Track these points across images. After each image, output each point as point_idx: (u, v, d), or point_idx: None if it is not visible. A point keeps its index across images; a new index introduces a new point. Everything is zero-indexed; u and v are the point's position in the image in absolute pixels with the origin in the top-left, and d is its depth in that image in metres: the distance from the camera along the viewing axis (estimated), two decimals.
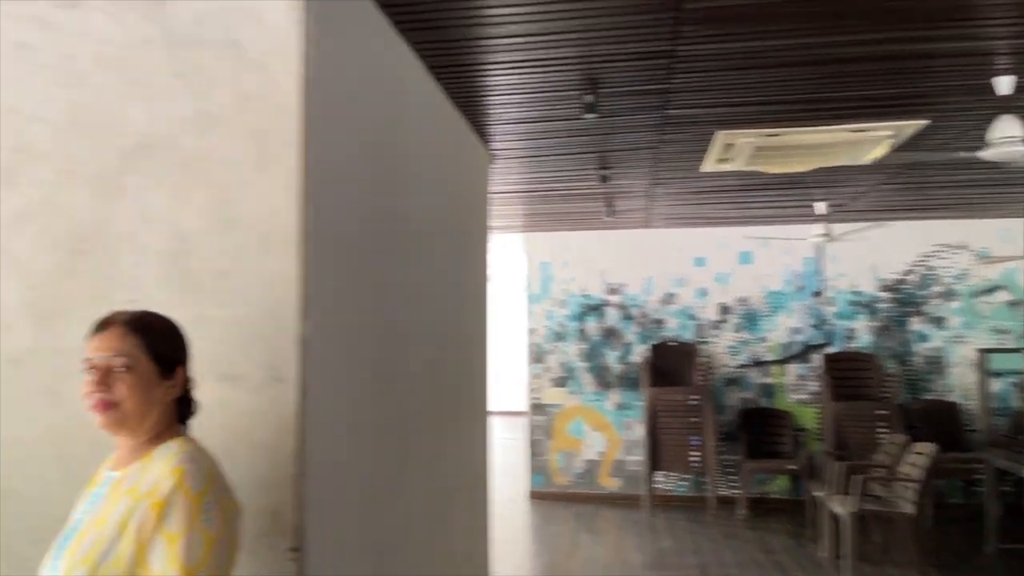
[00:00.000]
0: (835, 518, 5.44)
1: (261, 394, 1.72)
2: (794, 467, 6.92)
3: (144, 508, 1.32)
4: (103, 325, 1.46)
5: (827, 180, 5.20)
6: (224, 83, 1.79)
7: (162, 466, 1.38)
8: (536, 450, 7.76)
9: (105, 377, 1.40)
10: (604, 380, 7.71)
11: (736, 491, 7.18)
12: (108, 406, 1.39)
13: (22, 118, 1.85)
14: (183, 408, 1.54)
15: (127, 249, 1.80)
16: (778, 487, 7.32)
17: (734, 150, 4.34)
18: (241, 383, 1.73)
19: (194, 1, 1.81)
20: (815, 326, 7.39)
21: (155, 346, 1.45)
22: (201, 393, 1.75)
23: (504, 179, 5.14)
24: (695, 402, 7.05)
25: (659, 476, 7.39)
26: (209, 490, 1.37)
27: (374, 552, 2.24)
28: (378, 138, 2.36)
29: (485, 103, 3.46)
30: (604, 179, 4.94)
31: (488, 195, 4.41)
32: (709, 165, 4.67)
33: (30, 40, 1.85)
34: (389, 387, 2.45)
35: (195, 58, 1.80)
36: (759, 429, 7.27)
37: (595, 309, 7.78)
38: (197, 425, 1.73)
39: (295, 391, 1.72)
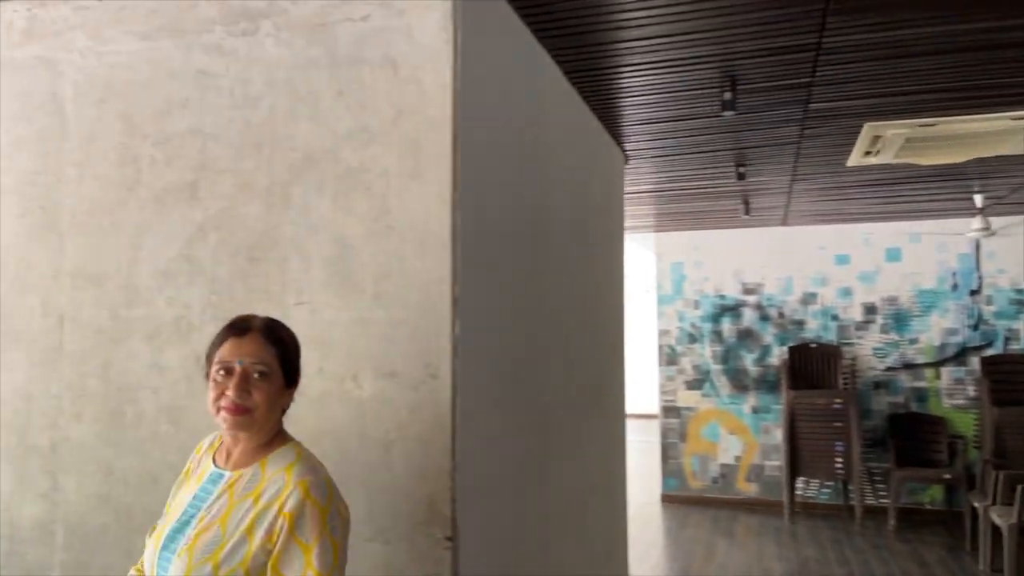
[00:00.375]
0: (995, 530, 5.07)
1: (418, 390, 1.82)
2: (949, 476, 6.47)
3: (272, 515, 1.39)
4: (242, 330, 1.48)
5: (984, 171, 4.85)
6: (381, 99, 1.90)
7: (283, 474, 1.44)
8: (669, 453, 7.65)
9: (244, 382, 1.44)
10: (741, 383, 7.50)
11: (884, 500, 6.79)
12: (243, 411, 1.43)
13: (204, 138, 2.04)
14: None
15: (295, 255, 1.95)
16: (931, 497, 6.86)
17: (882, 142, 4.13)
18: (400, 380, 1.84)
19: (353, 23, 1.93)
20: (972, 326, 6.88)
21: (287, 357, 1.51)
22: (363, 389, 1.87)
23: (637, 179, 5.11)
24: (839, 406, 6.73)
25: (800, 482, 7.11)
26: (331, 500, 1.43)
27: (520, 545, 2.31)
28: (521, 144, 2.43)
29: (620, 104, 3.46)
30: (741, 176, 4.82)
31: (623, 196, 4.41)
32: (855, 159, 4.47)
33: (210, 67, 2.04)
34: (532, 386, 2.52)
35: (355, 77, 1.93)
36: (910, 436, 6.85)
37: (730, 310, 7.58)
38: (361, 417, 1.86)
39: (448, 388, 1.81)
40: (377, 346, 1.87)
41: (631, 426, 4.61)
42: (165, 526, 1.52)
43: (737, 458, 7.45)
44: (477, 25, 2.00)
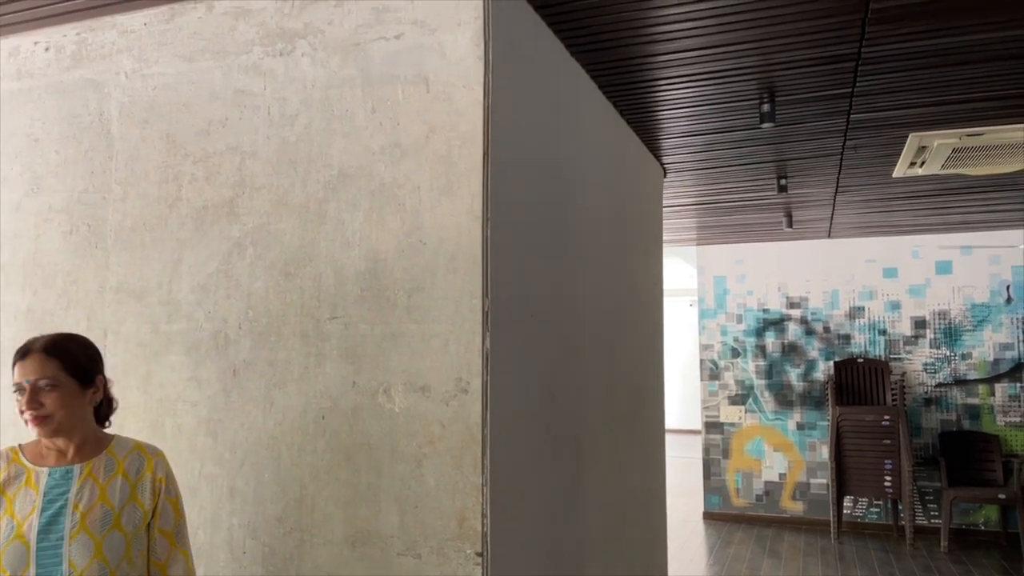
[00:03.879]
0: None
1: (449, 404, 1.83)
2: (1004, 496, 6.24)
3: (149, 481, 1.72)
4: (24, 353, 1.67)
5: None
6: (414, 116, 1.93)
7: (137, 452, 1.74)
8: (711, 470, 7.53)
9: (33, 397, 1.64)
10: (785, 398, 7.36)
11: (935, 520, 6.58)
12: (42, 420, 1.64)
13: (242, 156, 2.08)
14: (104, 409, 1.77)
15: (329, 270, 1.98)
16: (985, 517, 6.63)
17: (929, 152, 4.03)
18: (431, 394, 1.85)
19: (387, 42, 1.96)
20: None
21: (74, 364, 1.68)
22: (395, 402, 1.89)
23: (676, 192, 5.07)
24: (888, 423, 6.55)
25: (847, 501, 6.93)
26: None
27: (553, 561, 2.28)
28: (553, 158, 2.43)
29: (657, 118, 3.44)
30: (782, 189, 4.74)
31: (662, 209, 4.38)
32: (901, 170, 4.36)
33: (249, 87, 2.09)
34: (566, 400, 2.50)
35: (388, 94, 1.95)
36: (962, 454, 6.63)
37: (774, 324, 7.46)
38: (393, 431, 1.87)
39: (479, 402, 1.81)
40: (409, 360, 1.88)
41: (673, 442, 4.55)
42: (19, 533, 1.64)
43: (782, 475, 7.30)
44: (509, 42, 2.02)
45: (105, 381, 1.75)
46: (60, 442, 1.70)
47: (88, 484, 1.70)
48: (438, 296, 1.87)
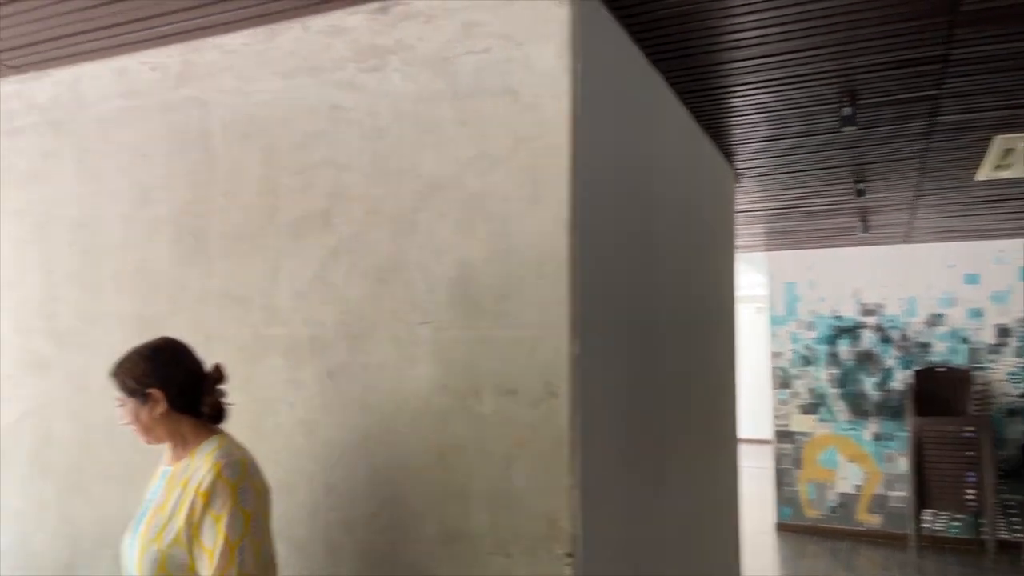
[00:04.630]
0: None
1: (538, 408, 1.87)
2: None
3: (192, 496, 1.64)
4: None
5: None
6: (501, 127, 1.98)
7: (204, 462, 1.69)
8: (783, 480, 7.39)
9: (121, 414, 1.78)
10: (860, 408, 7.18)
11: (1019, 535, 6.32)
12: (134, 429, 1.78)
13: (336, 168, 2.17)
14: (215, 413, 1.81)
15: (420, 277, 2.05)
16: None
17: (1015, 155, 3.91)
18: (520, 397, 1.90)
19: (475, 56, 2.03)
20: None
21: (124, 384, 1.77)
22: (484, 405, 1.94)
23: (748, 197, 5.03)
24: (970, 435, 6.33)
25: (927, 514, 6.71)
26: (243, 476, 1.67)
27: (636, 564, 2.31)
28: (635, 166, 2.47)
29: (732, 123, 3.44)
30: (860, 193, 4.65)
31: (734, 215, 4.36)
32: (985, 173, 4.24)
33: (343, 102, 2.18)
34: (648, 407, 2.52)
35: (477, 107, 2.02)
36: None
37: (848, 331, 7.29)
38: (482, 433, 1.92)
39: (568, 406, 1.85)
40: (498, 364, 1.93)
41: (742, 451, 4.50)
42: (132, 521, 1.81)
43: (857, 487, 7.12)
44: (593, 52, 2.06)
45: (167, 394, 1.74)
46: (162, 444, 1.81)
47: (163, 488, 1.75)
48: (526, 302, 1.92)
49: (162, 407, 1.74)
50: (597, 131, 2.09)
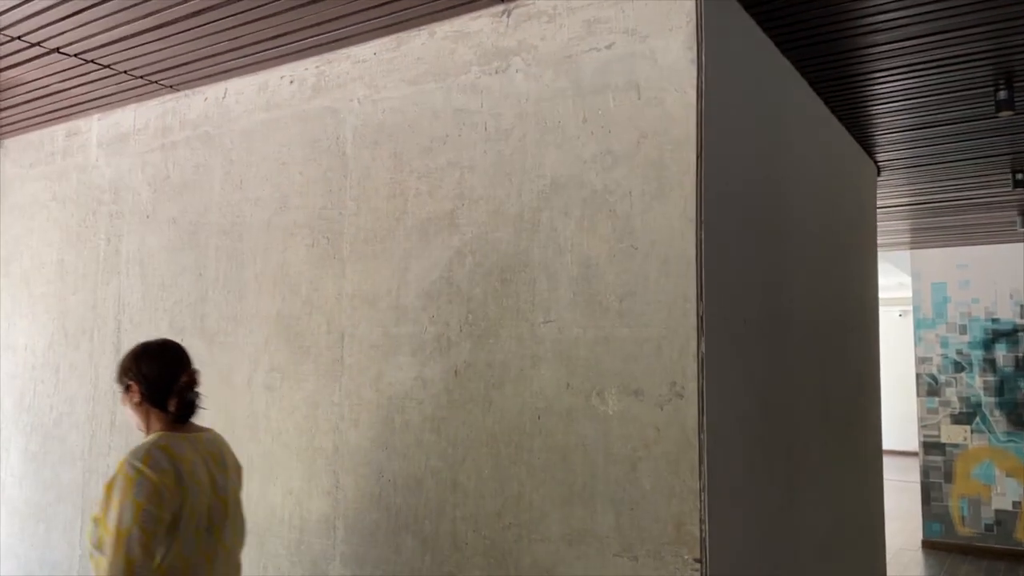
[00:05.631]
0: None
1: (664, 408, 1.83)
2: None
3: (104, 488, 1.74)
4: None
5: None
6: (625, 123, 1.96)
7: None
8: (931, 495, 6.89)
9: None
10: (1020, 418, 6.59)
11: None
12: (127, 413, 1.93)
13: (461, 170, 2.21)
14: (180, 412, 1.88)
15: (543, 276, 2.05)
16: None
17: None
18: (645, 397, 1.86)
19: (598, 52, 2.01)
20: None
21: (117, 375, 1.93)
22: (608, 405, 1.92)
23: (889, 192, 4.73)
24: None
25: None
26: (144, 469, 1.71)
27: (768, 573, 2.21)
28: (764, 159, 2.37)
29: (872, 113, 3.24)
30: (1018, 184, 4.28)
31: (875, 210, 4.11)
32: None
33: (467, 105, 2.22)
34: (778, 410, 2.42)
35: (600, 103, 2.00)
36: None
37: (1006, 335, 6.71)
38: (607, 433, 1.89)
39: (695, 407, 1.80)
40: (622, 364, 1.90)
41: (884, 463, 4.23)
42: None
43: (1016, 503, 6.54)
44: (720, 43, 2.00)
45: (140, 390, 1.87)
46: None
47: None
48: (651, 300, 1.88)
49: (137, 398, 1.90)
50: (725, 124, 2.02)
